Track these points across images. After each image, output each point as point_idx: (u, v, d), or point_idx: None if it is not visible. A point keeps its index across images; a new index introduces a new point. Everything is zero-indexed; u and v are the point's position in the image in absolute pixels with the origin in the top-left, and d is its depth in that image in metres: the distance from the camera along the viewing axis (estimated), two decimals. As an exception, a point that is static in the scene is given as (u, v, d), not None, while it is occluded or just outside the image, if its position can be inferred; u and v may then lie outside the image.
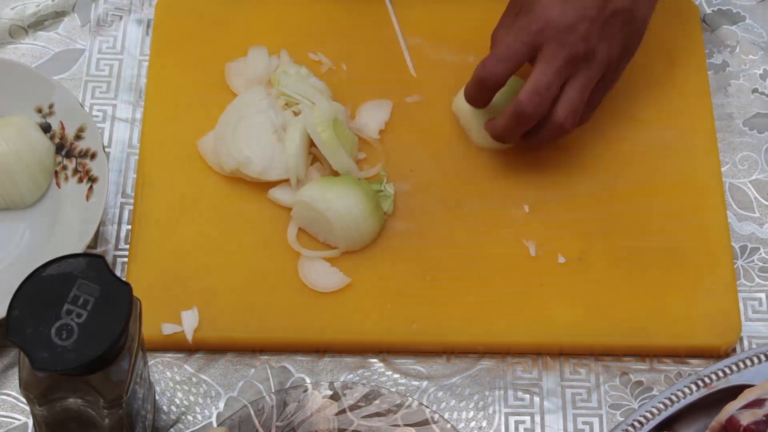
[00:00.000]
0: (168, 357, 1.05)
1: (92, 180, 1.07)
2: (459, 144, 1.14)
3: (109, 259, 1.08)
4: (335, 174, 1.09)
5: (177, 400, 1.03)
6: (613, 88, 1.09)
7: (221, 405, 1.03)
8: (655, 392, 1.04)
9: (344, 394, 1.01)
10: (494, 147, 1.12)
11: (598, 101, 1.09)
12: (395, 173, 1.11)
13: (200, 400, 1.03)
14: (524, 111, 1.04)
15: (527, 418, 1.03)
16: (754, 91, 1.19)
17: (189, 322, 1.04)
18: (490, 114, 1.10)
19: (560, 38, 1.02)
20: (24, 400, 0.97)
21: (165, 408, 1.02)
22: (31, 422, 1.01)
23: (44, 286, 0.85)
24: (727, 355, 1.05)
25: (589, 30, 1.03)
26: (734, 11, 1.23)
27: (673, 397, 0.99)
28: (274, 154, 1.09)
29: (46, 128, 1.09)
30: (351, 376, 1.04)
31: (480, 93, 1.07)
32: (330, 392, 1.01)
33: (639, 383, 1.04)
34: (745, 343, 1.07)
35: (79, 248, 1.02)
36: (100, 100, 1.17)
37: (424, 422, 1.00)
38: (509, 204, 1.11)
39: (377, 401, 1.00)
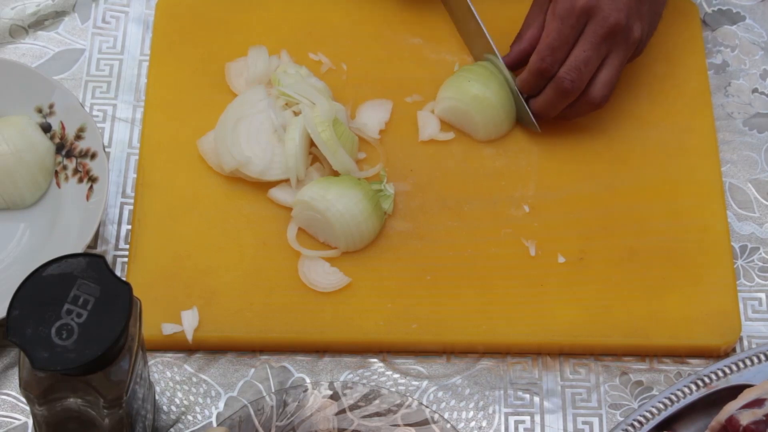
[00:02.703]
0: (168, 357, 1.05)
1: (92, 180, 1.07)
2: (459, 144, 1.13)
3: (109, 259, 1.08)
4: (335, 174, 1.09)
5: (177, 400, 1.03)
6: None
7: (221, 405, 1.03)
8: (655, 392, 1.04)
9: (344, 394, 1.01)
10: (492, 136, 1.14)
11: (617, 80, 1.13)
12: (395, 173, 1.11)
13: (200, 400, 1.03)
14: (566, 87, 1.08)
15: (527, 418, 1.03)
16: (754, 91, 1.19)
17: (189, 322, 1.04)
18: (487, 109, 1.11)
19: (604, 14, 1.06)
20: (24, 400, 0.97)
21: (165, 408, 1.02)
22: (31, 422, 1.01)
23: (44, 286, 0.85)
24: (727, 355, 1.05)
25: (628, 5, 1.07)
26: (734, 11, 1.23)
27: (673, 397, 0.99)
28: (273, 154, 1.09)
29: (46, 128, 1.09)
30: (351, 376, 1.04)
31: (538, 83, 1.10)
32: (330, 392, 1.01)
33: (639, 383, 1.04)
34: (745, 343, 1.07)
35: (79, 248, 1.02)
36: (100, 100, 1.17)
37: (424, 422, 1.00)
38: (509, 204, 1.11)
39: (377, 401, 1.00)
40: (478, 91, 1.11)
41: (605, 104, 1.10)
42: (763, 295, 1.09)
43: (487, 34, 1.13)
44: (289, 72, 1.13)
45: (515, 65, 1.12)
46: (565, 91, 1.08)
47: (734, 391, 0.98)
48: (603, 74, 1.09)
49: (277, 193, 1.10)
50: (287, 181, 1.09)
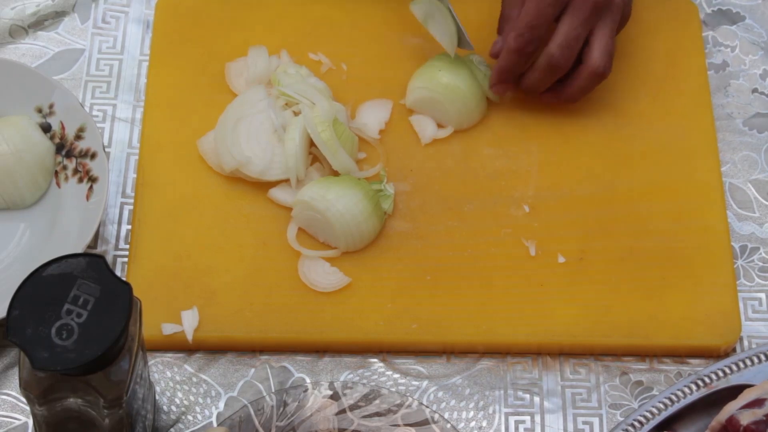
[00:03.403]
0: (168, 357, 1.05)
1: (92, 180, 1.07)
2: (459, 144, 1.13)
3: (109, 259, 1.08)
4: (335, 174, 1.09)
5: (177, 400, 1.03)
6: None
7: (221, 405, 1.03)
8: (655, 392, 1.04)
9: (344, 394, 1.01)
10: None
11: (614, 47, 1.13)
12: (395, 173, 1.11)
13: (200, 400, 1.03)
14: (557, 63, 1.08)
15: (527, 418, 1.03)
16: (754, 91, 1.19)
17: (189, 322, 1.04)
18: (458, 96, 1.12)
19: None
20: (24, 400, 0.97)
21: (165, 408, 1.02)
22: (31, 422, 1.01)
23: (44, 286, 0.85)
24: (727, 355, 1.05)
25: None
26: (734, 11, 1.23)
27: (673, 397, 0.99)
28: (273, 154, 1.09)
29: (46, 128, 1.09)
30: (351, 376, 1.04)
31: (518, 63, 1.10)
32: (330, 392, 1.01)
33: (639, 383, 1.04)
34: (745, 343, 1.07)
35: (79, 248, 1.02)
36: (100, 100, 1.17)
37: (424, 422, 1.00)
38: (509, 204, 1.11)
39: (377, 401, 1.00)
40: (449, 80, 1.12)
41: (609, 74, 1.10)
42: (763, 295, 1.09)
43: (459, 24, 1.13)
44: (289, 72, 1.13)
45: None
46: (556, 66, 1.09)
47: (734, 391, 0.98)
48: (597, 43, 1.09)
49: (277, 193, 1.10)
50: (287, 181, 1.09)
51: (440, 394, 1.04)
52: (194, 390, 1.03)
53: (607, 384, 1.05)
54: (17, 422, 1.02)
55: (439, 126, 1.14)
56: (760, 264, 1.10)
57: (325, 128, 1.08)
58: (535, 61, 1.10)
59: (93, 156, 1.07)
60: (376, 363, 1.05)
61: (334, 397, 1.00)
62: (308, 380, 1.04)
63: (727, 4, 1.24)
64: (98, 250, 1.09)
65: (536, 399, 1.04)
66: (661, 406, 0.98)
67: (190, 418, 1.02)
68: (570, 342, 1.05)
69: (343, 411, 1.00)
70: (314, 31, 1.19)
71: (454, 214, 1.10)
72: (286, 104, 1.11)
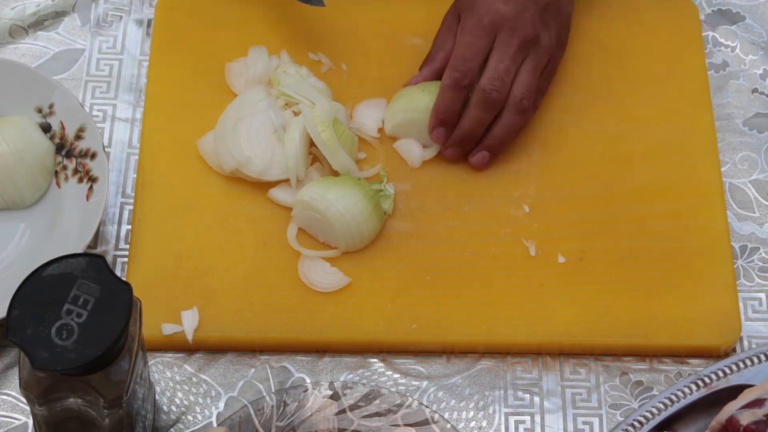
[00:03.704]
0: (168, 357, 1.05)
1: (92, 180, 1.07)
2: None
3: (109, 259, 1.08)
4: (335, 174, 1.09)
5: (177, 400, 1.03)
6: (554, 77, 1.15)
7: (221, 405, 1.03)
8: (655, 392, 1.04)
9: (344, 394, 1.01)
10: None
11: (546, 88, 1.14)
12: (395, 173, 1.11)
13: (200, 400, 1.03)
14: (489, 97, 1.09)
15: (527, 418, 1.03)
16: (754, 91, 1.19)
17: (189, 322, 1.04)
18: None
19: (511, 26, 1.09)
20: (24, 400, 0.97)
21: (165, 408, 1.02)
22: (31, 422, 1.01)
23: (44, 286, 0.85)
24: (727, 355, 1.05)
25: (533, 16, 1.10)
26: (734, 11, 1.23)
27: (673, 397, 0.99)
28: (273, 154, 1.09)
29: (46, 128, 1.09)
30: (351, 376, 1.04)
31: (455, 98, 1.10)
32: (330, 392, 1.01)
33: (639, 383, 1.04)
34: (745, 343, 1.07)
35: (79, 248, 1.02)
36: (100, 100, 1.17)
37: (424, 422, 1.00)
38: (509, 204, 1.11)
39: (377, 401, 1.00)
40: (430, 101, 1.11)
41: (533, 111, 1.12)
42: (763, 295, 1.09)
43: None
44: (289, 72, 1.13)
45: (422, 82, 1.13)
46: (491, 101, 1.09)
47: (734, 391, 0.98)
48: (521, 78, 1.10)
49: (277, 193, 1.10)
50: (287, 181, 1.09)
51: (440, 394, 1.04)
52: (194, 390, 1.03)
53: (607, 384, 1.04)
54: (17, 422, 1.02)
55: (424, 146, 1.13)
56: (760, 264, 1.10)
57: (325, 128, 1.08)
58: (468, 105, 1.10)
59: (93, 156, 1.07)
60: (376, 363, 1.05)
61: (334, 397, 1.00)
62: (308, 380, 1.04)
63: (727, 4, 1.24)
64: (98, 250, 1.09)
65: (536, 399, 1.04)
66: (661, 406, 0.98)
67: (190, 418, 1.02)
68: (570, 342, 1.05)
69: (343, 411, 1.00)
70: (314, 31, 1.19)
71: (454, 214, 1.10)
72: (286, 104, 1.11)
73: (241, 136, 1.09)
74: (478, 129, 1.10)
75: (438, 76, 1.12)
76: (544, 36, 1.11)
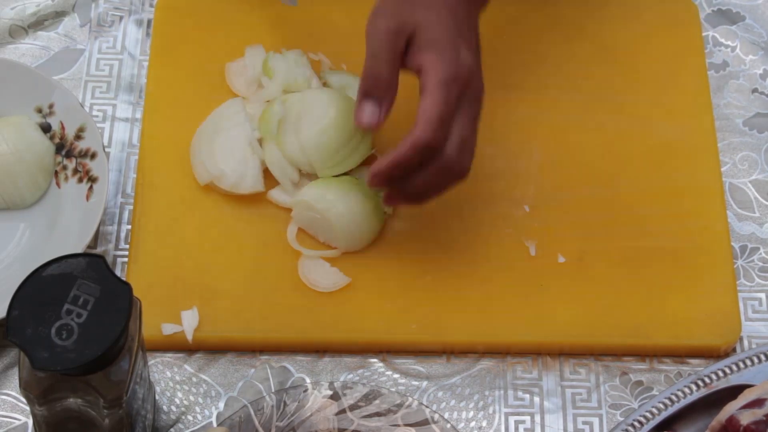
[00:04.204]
0: (168, 357, 1.05)
1: (92, 180, 1.07)
2: (459, 144, 1.13)
3: (109, 259, 1.08)
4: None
5: (177, 400, 1.03)
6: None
7: (221, 405, 1.03)
8: (655, 392, 1.04)
9: (344, 394, 1.01)
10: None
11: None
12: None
13: (200, 400, 1.03)
14: (454, 169, 0.98)
15: (527, 418, 1.03)
16: (754, 91, 1.19)
17: (189, 322, 1.04)
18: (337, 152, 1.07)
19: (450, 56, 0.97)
20: (24, 400, 0.97)
21: (165, 408, 1.02)
22: (31, 422, 1.01)
23: (44, 286, 0.85)
24: (727, 355, 1.05)
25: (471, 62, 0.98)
26: (734, 11, 1.23)
27: (673, 397, 0.99)
28: (246, 167, 1.09)
29: (46, 128, 1.09)
30: (351, 376, 1.04)
31: (420, 160, 0.98)
32: (330, 392, 1.01)
33: (639, 383, 1.04)
34: (745, 343, 1.07)
35: (79, 248, 1.02)
36: (100, 100, 1.17)
37: (424, 422, 1.00)
38: (509, 204, 1.11)
39: (377, 401, 1.00)
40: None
41: (461, 178, 1.00)
42: (763, 295, 1.09)
43: None
44: (288, 57, 1.13)
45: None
46: (453, 172, 0.99)
47: (734, 391, 0.98)
48: (457, 133, 0.98)
49: (277, 195, 1.10)
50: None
51: (440, 394, 1.04)
52: (194, 390, 1.03)
53: (607, 384, 1.04)
54: (17, 422, 1.02)
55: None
56: (760, 264, 1.10)
57: (263, 126, 1.08)
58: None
59: (93, 156, 1.07)
60: (376, 363, 1.05)
61: (334, 397, 1.00)
62: (308, 380, 1.04)
63: (727, 4, 1.24)
64: (98, 250, 1.09)
65: (536, 399, 1.04)
66: (661, 406, 0.98)
67: (190, 418, 1.02)
68: (570, 342, 1.05)
69: (343, 411, 1.00)
70: (314, 31, 1.19)
71: (454, 214, 1.10)
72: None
73: (217, 149, 1.09)
74: (431, 194, 1.01)
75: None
76: (476, 87, 0.99)
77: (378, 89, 1.00)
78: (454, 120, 0.97)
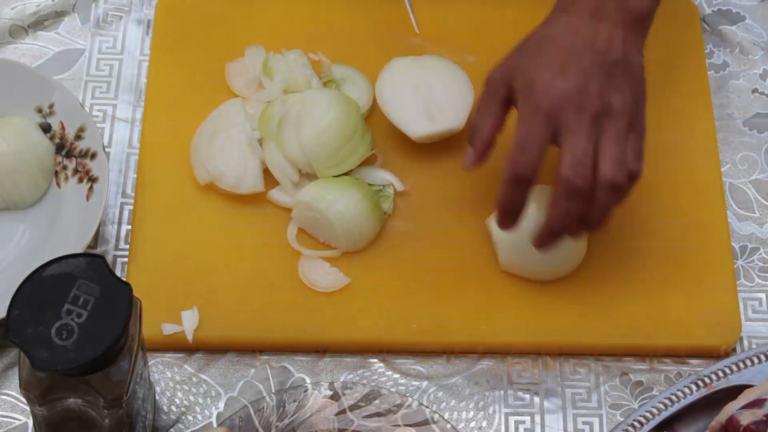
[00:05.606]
0: (168, 357, 1.05)
1: (92, 180, 1.07)
2: (459, 144, 1.13)
3: (109, 259, 1.08)
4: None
5: (177, 400, 1.03)
6: (645, 136, 1.00)
7: (221, 405, 1.03)
8: (655, 392, 1.04)
9: (344, 394, 1.01)
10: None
11: (639, 148, 0.99)
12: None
13: (200, 400, 1.03)
14: (574, 184, 0.96)
15: (527, 418, 1.03)
16: (754, 91, 1.19)
17: (189, 322, 1.04)
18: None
19: (576, 103, 0.97)
20: (24, 400, 0.97)
21: (165, 408, 1.02)
22: (31, 422, 1.01)
23: (44, 286, 0.85)
24: (727, 355, 1.05)
25: (599, 85, 0.97)
26: (734, 11, 1.23)
27: (673, 397, 0.99)
28: (246, 167, 1.09)
29: (46, 128, 1.09)
30: (351, 376, 1.04)
31: (518, 192, 0.99)
32: (330, 392, 1.01)
33: (639, 383, 1.04)
34: (745, 343, 1.07)
35: (79, 248, 1.02)
36: (100, 100, 1.17)
37: (424, 422, 1.00)
38: (509, 204, 1.11)
39: (377, 401, 1.00)
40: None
41: (633, 182, 0.99)
42: (763, 295, 1.09)
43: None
44: (288, 57, 1.13)
45: (480, 160, 1.02)
46: (576, 190, 0.97)
47: (734, 391, 0.98)
48: (604, 153, 0.97)
49: (277, 195, 1.10)
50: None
51: (440, 394, 1.04)
52: (194, 390, 1.03)
53: (607, 384, 1.05)
54: (17, 422, 1.02)
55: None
56: (760, 264, 1.10)
57: (263, 126, 1.08)
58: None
59: (93, 156, 1.07)
60: (376, 363, 1.05)
61: (334, 397, 1.00)
62: (308, 380, 1.04)
63: (727, 4, 1.24)
64: (98, 250, 1.09)
65: (536, 399, 1.04)
66: (661, 406, 0.98)
67: (190, 418, 1.02)
68: (570, 342, 1.05)
69: (343, 411, 1.00)
70: (314, 31, 1.19)
71: (454, 214, 1.10)
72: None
73: (217, 149, 1.09)
74: (569, 221, 0.99)
75: (489, 146, 1.02)
76: (616, 101, 0.97)
77: (471, 135, 1.02)
78: (544, 145, 0.97)
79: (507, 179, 0.99)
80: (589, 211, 0.98)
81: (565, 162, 0.96)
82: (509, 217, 1.01)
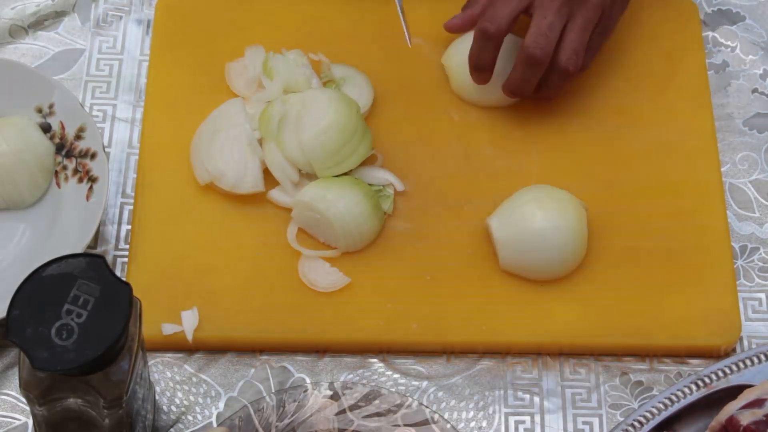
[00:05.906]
0: (168, 357, 1.05)
1: (92, 180, 1.07)
2: (459, 143, 1.14)
3: (109, 259, 1.08)
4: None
5: (177, 400, 1.03)
6: (609, 36, 1.12)
7: (221, 405, 1.03)
8: (655, 392, 1.04)
9: (344, 394, 1.01)
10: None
11: (597, 47, 1.11)
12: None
13: (200, 400, 1.03)
14: (533, 54, 1.06)
15: (527, 418, 1.03)
16: (754, 91, 1.19)
17: (189, 322, 1.04)
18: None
19: None
20: (24, 400, 0.97)
21: (165, 408, 1.02)
22: (31, 422, 1.01)
23: (44, 286, 0.85)
24: (727, 355, 1.05)
25: None
26: (734, 11, 1.23)
27: (673, 397, 0.99)
28: (246, 167, 1.09)
29: (46, 128, 1.09)
30: (351, 376, 1.04)
31: (486, 48, 1.08)
32: (330, 392, 1.01)
33: (639, 383, 1.04)
34: (745, 343, 1.07)
35: (79, 248, 1.02)
36: (100, 100, 1.17)
37: (424, 422, 1.00)
38: (509, 204, 1.11)
39: (377, 401, 1.00)
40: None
41: (579, 72, 1.09)
42: (763, 295, 1.09)
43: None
44: (287, 57, 1.12)
45: (461, 29, 1.14)
46: (535, 59, 1.06)
47: (734, 391, 0.98)
48: (567, 38, 1.07)
49: (277, 195, 1.10)
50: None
51: (440, 394, 1.04)
52: (194, 390, 1.03)
53: (607, 384, 1.04)
54: (17, 422, 1.02)
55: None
56: (760, 264, 1.10)
57: (263, 126, 1.08)
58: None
59: (93, 156, 1.07)
60: (376, 363, 1.05)
61: (334, 397, 1.00)
62: (308, 380, 1.04)
63: (727, 4, 1.24)
64: (98, 250, 1.09)
65: (536, 399, 1.04)
66: (661, 406, 0.98)
67: (190, 418, 1.02)
68: (570, 342, 1.05)
69: (343, 411, 1.00)
70: (314, 31, 1.19)
71: (454, 214, 1.10)
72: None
73: (217, 149, 1.09)
74: (525, 86, 1.09)
75: (475, 22, 1.11)
76: None
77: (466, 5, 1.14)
78: (556, 27, 1.06)
79: (476, 35, 1.08)
80: (545, 81, 1.09)
81: (530, 32, 1.06)
82: (479, 72, 1.10)
